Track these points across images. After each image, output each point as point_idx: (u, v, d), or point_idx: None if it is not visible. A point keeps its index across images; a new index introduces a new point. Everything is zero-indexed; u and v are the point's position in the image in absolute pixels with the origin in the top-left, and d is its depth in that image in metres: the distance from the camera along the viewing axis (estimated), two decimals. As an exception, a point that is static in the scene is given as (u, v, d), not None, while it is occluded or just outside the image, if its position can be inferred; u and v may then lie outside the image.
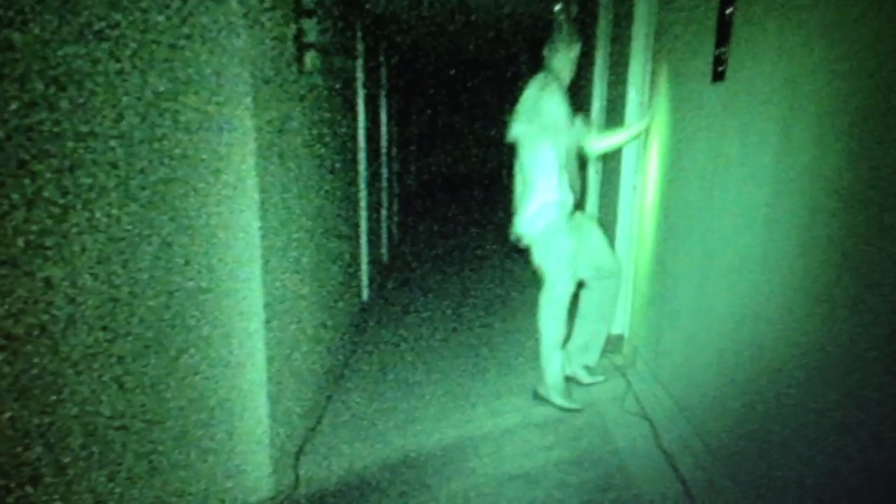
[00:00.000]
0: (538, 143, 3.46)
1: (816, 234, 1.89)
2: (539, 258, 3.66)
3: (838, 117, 1.80)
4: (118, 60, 2.06)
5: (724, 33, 2.58)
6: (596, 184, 4.81)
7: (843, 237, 1.76)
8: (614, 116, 4.29)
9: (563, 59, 3.57)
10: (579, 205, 3.75)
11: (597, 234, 3.82)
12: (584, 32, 4.92)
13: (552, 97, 3.44)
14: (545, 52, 3.63)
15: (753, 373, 2.29)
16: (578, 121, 3.57)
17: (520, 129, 3.54)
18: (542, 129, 3.43)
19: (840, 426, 1.76)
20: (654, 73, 3.62)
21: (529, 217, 3.57)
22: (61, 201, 1.93)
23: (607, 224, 4.38)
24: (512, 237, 3.73)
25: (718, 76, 2.64)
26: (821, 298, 1.87)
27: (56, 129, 1.88)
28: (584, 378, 3.95)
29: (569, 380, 3.90)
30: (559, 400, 3.67)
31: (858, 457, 1.68)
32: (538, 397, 3.78)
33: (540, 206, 3.51)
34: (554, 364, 3.68)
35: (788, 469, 2.03)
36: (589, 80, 4.93)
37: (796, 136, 2.01)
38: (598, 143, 3.69)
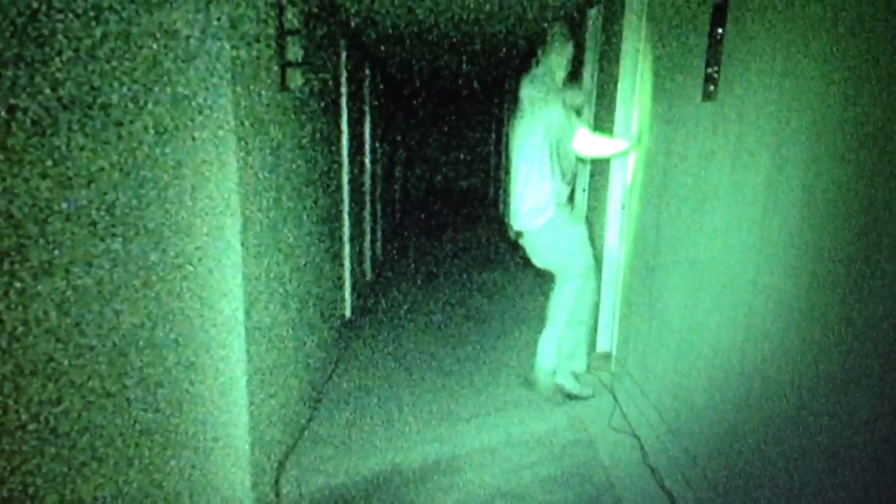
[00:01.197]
0: (535, 135, 3.67)
1: (807, 253, 1.90)
2: (548, 253, 3.85)
3: (832, 137, 1.81)
4: (95, 76, 2.04)
5: (714, 52, 2.61)
6: (584, 202, 4.83)
7: (834, 257, 1.77)
8: (602, 134, 4.31)
9: (557, 59, 3.76)
10: (570, 199, 3.97)
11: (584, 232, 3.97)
12: (575, 41, 4.98)
13: (548, 92, 3.66)
14: (539, 53, 3.77)
15: (742, 391, 2.29)
16: (571, 115, 3.72)
17: (525, 119, 3.75)
18: (539, 117, 3.66)
19: (831, 446, 1.75)
20: (642, 92, 3.65)
21: (527, 212, 3.75)
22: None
23: (596, 241, 4.39)
24: (512, 234, 3.86)
25: (709, 95, 2.66)
26: (811, 318, 1.87)
27: (39, 140, 1.85)
28: (574, 388, 3.95)
29: (558, 391, 3.99)
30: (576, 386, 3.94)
31: (850, 477, 1.68)
32: (569, 397, 3.94)
33: (537, 200, 3.72)
34: (581, 346, 3.93)
35: (777, 488, 2.02)
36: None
37: (788, 155, 2.03)
38: (586, 139, 3.76)
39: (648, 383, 3.40)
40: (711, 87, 2.63)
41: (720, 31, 2.56)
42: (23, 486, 1.90)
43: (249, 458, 2.64)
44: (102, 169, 2.13)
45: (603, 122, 4.30)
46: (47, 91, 1.92)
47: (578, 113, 3.95)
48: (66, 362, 2.13)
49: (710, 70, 2.64)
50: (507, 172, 4.14)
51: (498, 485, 3.01)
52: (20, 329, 1.93)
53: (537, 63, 3.84)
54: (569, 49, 3.79)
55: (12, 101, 1.79)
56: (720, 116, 2.56)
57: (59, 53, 1.90)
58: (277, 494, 2.88)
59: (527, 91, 3.77)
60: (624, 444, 3.34)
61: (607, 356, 4.22)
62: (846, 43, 1.77)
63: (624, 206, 3.95)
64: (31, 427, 1.95)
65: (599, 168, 4.36)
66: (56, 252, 1.99)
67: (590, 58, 4.69)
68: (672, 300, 3.06)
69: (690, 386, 2.81)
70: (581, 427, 3.60)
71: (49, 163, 1.95)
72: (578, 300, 3.88)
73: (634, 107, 3.79)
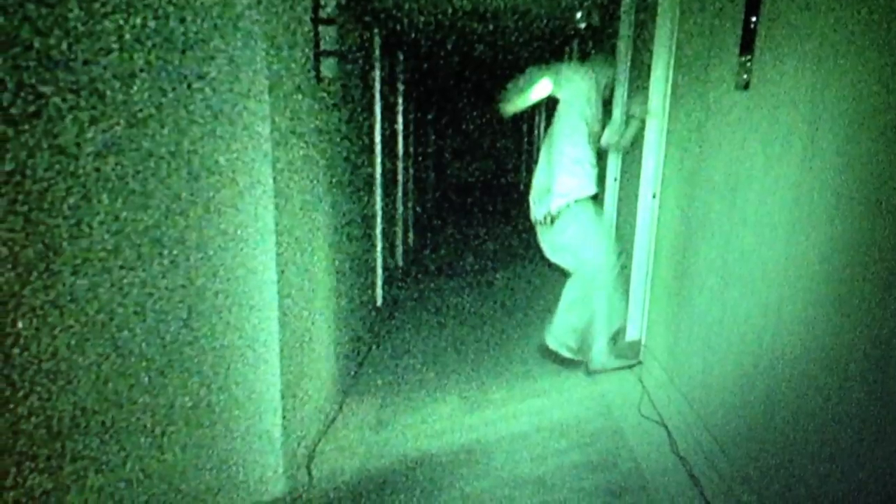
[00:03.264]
0: (572, 108, 4.01)
1: (840, 241, 1.90)
2: (586, 236, 4.04)
3: (866, 125, 1.80)
4: (131, 72, 2.11)
5: (748, 42, 2.59)
6: (615, 190, 4.81)
7: (867, 245, 1.77)
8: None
9: (598, 70, 4.21)
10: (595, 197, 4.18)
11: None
12: (607, 41, 5.00)
13: (585, 73, 4.10)
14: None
15: (773, 379, 2.29)
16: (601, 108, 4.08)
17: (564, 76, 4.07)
18: (576, 95, 4.00)
19: (864, 435, 1.76)
20: (675, 81, 3.63)
21: (562, 191, 4.00)
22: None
23: (626, 231, 4.38)
24: (542, 214, 4.12)
25: (743, 85, 2.64)
26: (844, 306, 1.87)
27: (76, 136, 1.93)
28: (567, 353, 4.26)
29: (550, 354, 4.33)
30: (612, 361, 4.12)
31: (881, 468, 1.68)
32: (592, 372, 4.14)
33: (571, 180, 3.99)
34: (606, 327, 4.09)
35: (809, 478, 2.03)
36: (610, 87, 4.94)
37: (822, 143, 2.02)
38: (609, 137, 4.22)
39: (677, 372, 3.40)
40: (745, 77, 2.61)
41: (754, 19, 2.54)
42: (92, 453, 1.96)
43: (282, 442, 2.71)
44: (148, 156, 2.20)
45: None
46: (87, 86, 1.99)
47: (609, 91, 4.25)
48: (111, 357, 2.22)
49: (743, 59, 2.63)
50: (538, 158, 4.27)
51: (527, 471, 3.05)
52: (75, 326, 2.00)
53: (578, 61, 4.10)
54: (609, 73, 4.22)
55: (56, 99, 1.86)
56: (753, 105, 2.55)
57: (99, 50, 1.97)
58: (310, 476, 2.95)
59: (565, 72, 4.10)
60: (652, 433, 3.35)
61: (636, 344, 4.22)
62: (885, 28, 1.75)
63: (655, 195, 3.94)
64: (84, 408, 2.02)
65: (631, 157, 4.35)
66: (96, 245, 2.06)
67: (623, 47, 4.66)
68: (702, 289, 3.05)
69: (720, 375, 2.81)
70: (610, 414, 3.61)
71: (92, 157, 2.03)
72: (597, 285, 4.06)
73: (667, 95, 3.77)
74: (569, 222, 4.05)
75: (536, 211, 4.19)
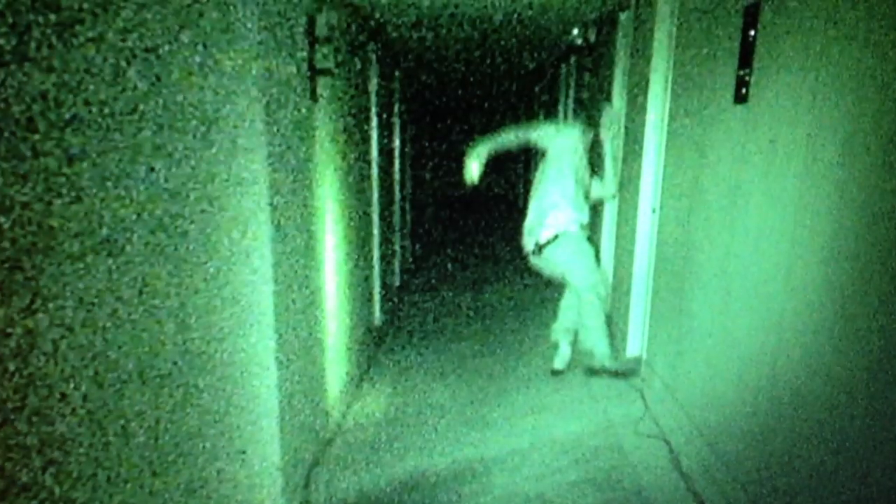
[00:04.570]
0: (562, 163, 4.26)
1: (841, 254, 1.88)
2: (573, 263, 4.28)
3: (866, 138, 1.79)
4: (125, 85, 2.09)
5: (746, 55, 2.59)
6: (614, 205, 4.81)
7: (869, 259, 1.75)
8: (633, 137, 4.30)
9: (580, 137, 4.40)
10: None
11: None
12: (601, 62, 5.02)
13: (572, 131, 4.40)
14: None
15: (775, 395, 2.27)
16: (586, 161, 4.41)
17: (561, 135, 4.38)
18: (566, 148, 4.29)
19: (866, 450, 1.73)
20: (674, 94, 3.63)
21: (551, 223, 4.26)
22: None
23: (625, 245, 4.38)
24: (532, 245, 4.40)
25: (741, 98, 2.64)
26: (844, 322, 1.85)
27: (72, 144, 1.91)
28: (565, 347, 4.61)
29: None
30: (614, 364, 4.32)
31: (885, 482, 1.65)
32: (593, 372, 4.36)
33: (559, 215, 4.25)
34: (603, 339, 4.31)
35: (812, 493, 2.00)
36: (607, 102, 4.96)
37: (822, 156, 2.01)
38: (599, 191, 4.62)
39: (678, 387, 3.37)
40: (743, 90, 2.61)
41: (752, 33, 2.55)
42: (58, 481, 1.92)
43: (280, 462, 2.67)
44: (134, 181, 2.18)
45: (634, 123, 4.29)
46: (79, 97, 1.97)
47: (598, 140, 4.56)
48: (96, 374, 2.17)
49: (741, 72, 2.63)
50: (529, 190, 4.61)
51: (528, 488, 3.02)
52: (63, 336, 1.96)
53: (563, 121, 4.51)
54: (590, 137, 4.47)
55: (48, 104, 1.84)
56: (752, 119, 2.54)
57: (90, 62, 1.95)
58: (308, 499, 2.91)
59: (553, 128, 4.50)
60: (654, 448, 3.32)
61: (637, 360, 4.19)
62: (883, 40, 1.75)
63: (654, 210, 3.93)
64: (74, 423, 1.98)
65: (630, 172, 4.35)
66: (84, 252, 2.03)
67: (621, 61, 4.68)
68: (702, 303, 3.04)
69: (721, 390, 2.78)
70: (611, 431, 3.58)
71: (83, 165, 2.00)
72: (585, 305, 4.31)
73: (666, 109, 3.77)
74: (557, 252, 4.30)
75: (528, 241, 4.46)
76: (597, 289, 4.27)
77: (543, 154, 4.47)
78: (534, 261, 4.50)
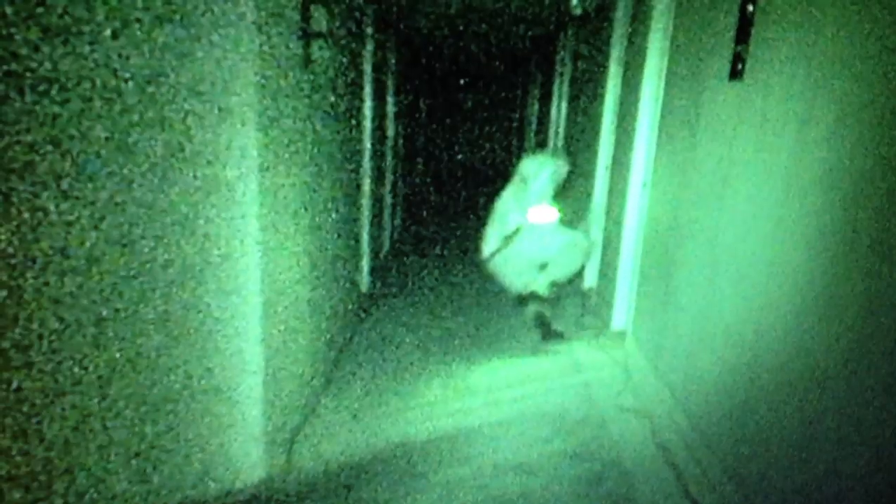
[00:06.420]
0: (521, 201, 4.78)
1: (828, 234, 1.88)
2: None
3: (859, 117, 1.78)
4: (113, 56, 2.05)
5: (744, 31, 2.56)
6: (605, 179, 4.80)
7: (855, 240, 1.75)
8: (627, 112, 4.27)
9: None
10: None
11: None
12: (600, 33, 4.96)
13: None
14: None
15: (756, 372, 2.28)
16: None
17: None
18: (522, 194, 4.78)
19: (842, 427, 1.75)
20: (670, 70, 3.59)
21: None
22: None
23: (615, 219, 4.37)
24: (489, 252, 4.88)
25: (736, 74, 2.61)
26: (829, 302, 1.86)
27: (58, 130, 1.88)
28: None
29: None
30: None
31: (859, 458, 1.67)
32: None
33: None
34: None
35: (786, 468, 2.02)
36: (603, 77, 4.91)
37: (813, 135, 2.00)
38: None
39: (662, 362, 3.39)
40: (739, 66, 2.59)
41: (750, 8, 2.51)
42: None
43: (263, 428, 2.67)
44: (127, 141, 2.15)
45: (629, 98, 4.26)
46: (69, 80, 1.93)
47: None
48: (88, 340, 2.17)
49: (738, 48, 2.60)
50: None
51: (509, 458, 3.04)
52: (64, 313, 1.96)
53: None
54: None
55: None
56: (746, 95, 2.52)
57: (79, 38, 1.91)
58: (290, 463, 2.92)
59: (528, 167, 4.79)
60: (634, 422, 3.35)
61: (622, 334, 4.21)
62: (880, 19, 1.73)
63: (645, 185, 3.92)
64: (62, 395, 1.98)
65: (623, 146, 4.33)
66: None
67: (619, 31, 4.63)
68: (689, 280, 3.04)
69: (703, 366, 2.80)
70: (593, 403, 3.61)
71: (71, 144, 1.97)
72: None
73: (661, 84, 3.74)
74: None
75: (486, 250, 4.90)
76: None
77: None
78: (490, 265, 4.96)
